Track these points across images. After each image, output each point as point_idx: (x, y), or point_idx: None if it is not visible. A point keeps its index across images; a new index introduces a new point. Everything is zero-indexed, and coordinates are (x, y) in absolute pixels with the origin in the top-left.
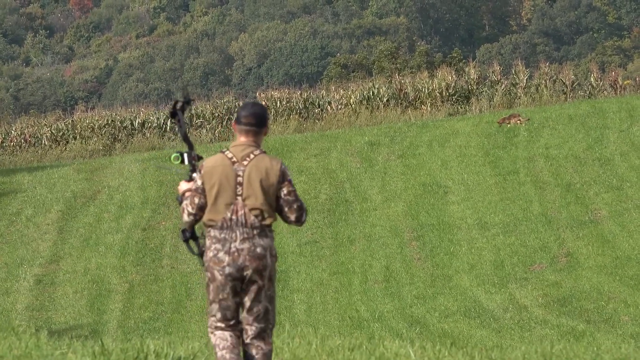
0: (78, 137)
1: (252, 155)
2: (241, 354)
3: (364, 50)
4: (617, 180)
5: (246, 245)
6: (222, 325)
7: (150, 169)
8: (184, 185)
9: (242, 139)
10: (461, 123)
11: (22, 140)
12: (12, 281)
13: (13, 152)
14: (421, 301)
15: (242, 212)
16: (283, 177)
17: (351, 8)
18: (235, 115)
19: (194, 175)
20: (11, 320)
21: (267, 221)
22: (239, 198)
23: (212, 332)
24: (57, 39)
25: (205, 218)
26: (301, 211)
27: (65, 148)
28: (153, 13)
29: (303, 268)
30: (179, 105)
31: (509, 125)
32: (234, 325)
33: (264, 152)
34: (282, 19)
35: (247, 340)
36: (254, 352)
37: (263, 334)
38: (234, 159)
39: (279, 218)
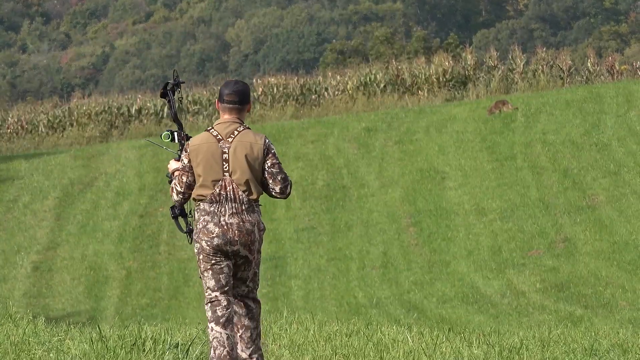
0: (75, 124)
1: (236, 132)
2: (237, 357)
3: (361, 36)
4: (614, 165)
5: (235, 220)
6: (218, 294)
7: (147, 156)
8: (173, 164)
9: (225, 116)
10: (458, 109)
11: (19, 127)
12: (9, 268)
13: (10, 139)
14: (419, 287)
15: (230, 187)
16: (267, 150)
17: None
18: (217, 94)
19: (182, 156)
20: (9, 307)
21: (254, 196)
22: (227, 174)
23: (209, 321)
24: (54, 26)
25: (194, 194)
26: (285, 182)
27: (62, 135)
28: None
29: (300, 254)
30: (169, 86)
31: (501, 112)
32: (228, 292)
33: (248, 128)
34: (278, 5)
35: (235, 300)
36: (243, 311)
37: (251, 294)
38: (219, 137)
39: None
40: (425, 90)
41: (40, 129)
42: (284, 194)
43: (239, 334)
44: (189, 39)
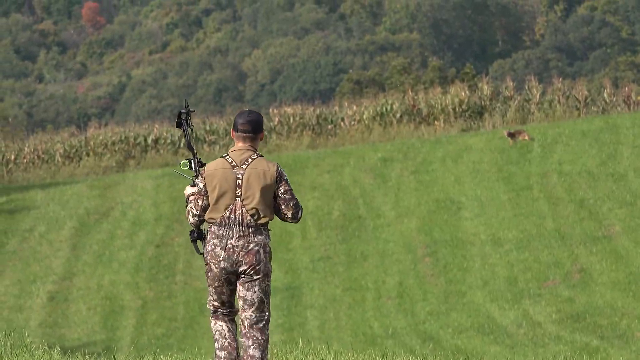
0: (91, 154)
1: (250, 159)
2: (239, 348)
3: (377, 66)
4: (630, 195)
5: (241, 242)
6: (218, 304)
7: (163, 186)
8: (188, 190)
9: (240, 144)
10: (474, 139)
11: (35, 157)
12: (25, 298)
13: (26, 168)
14: (434, 317)
15: (240, 211)
16: (280, 178)
17: (364, 24)
18: (232, 123)
19: (197, 180)
20: (24, 337)
21: (263, 220)
22: (238, 199)
23: (211, 317)
24: (70, 56)
25: (206, 216)
26: (297, 208)
27: (79, 165)
28: (166, 29)
29: (316, 284)
30: (183, 116)
31: (518, 141)
32: (229, 306)
33: (261, 156)
34: (295, 35)
35: (244, 330)
36: (250, 342)
37: (259, 324)
38: (234, 163)
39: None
40: (442, 120)
41: (56, 158)
42: (296, 219)
43: None
44: (205, 68)
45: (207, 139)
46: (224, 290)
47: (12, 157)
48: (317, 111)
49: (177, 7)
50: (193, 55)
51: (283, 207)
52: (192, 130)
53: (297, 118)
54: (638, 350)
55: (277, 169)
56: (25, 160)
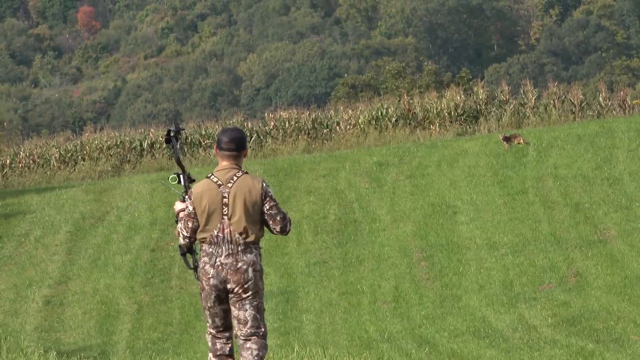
0: (87, 158)
1: (235, 177)
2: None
3: (372, 71)
4: (626, 199)
5: (229, 260)
6: (214, 331)
7: (158, 190)
8: (178, 205)
9: (224, 163)
10: (470, 143)
11: (31, 161)
12: (20, 302)
13: (22, 173)
14: (430, 321)
15: (228, 230)
16: (265, 194)
17: (359, 28)
18: (216, 140)
19: (186, 197)
20: (20, 341)
21: (251, 238)
22: (225, 217)
23: (209, 351)
24: (66, 60)
25: (198, 236)
26: (285, 221)
27: (74, 169)
28: (161, 34)
29: (312, 288)
30: (172, 133)
31: (514, 145)
32: (224, 331)
33: (246, 173)
34: (290, 39)
35: (240, 342)
36: (246, 354)
37: (253, 337)
38: (219, 182)
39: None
40: (437, 124)
41: (51, 163)
42: (285, 232)
43: None
44: (200, 73)
45: (202, 143)
46: (217, 312)
47: (8, 161)
48: (313, 115)
49: (172, 12)
50: (188, 59)
51: (271, 222)
52: (181, 147)
53: (293, 122)
54: (634, 354)
55: (262, 185)
56: (20, 165)
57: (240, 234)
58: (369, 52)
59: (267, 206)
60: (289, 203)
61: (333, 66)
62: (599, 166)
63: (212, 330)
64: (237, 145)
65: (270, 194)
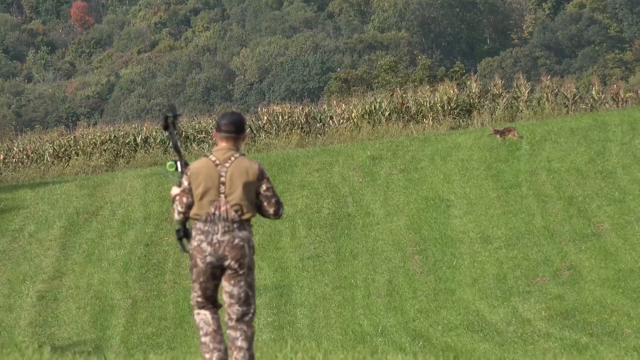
0: (80, 153)
1: (232, 158)
2: (224, 337)
3: (365, 65)
4: (619, 193)
5: (226, 237)
6: (202, 300)
7: (152, 184)
8: (174, 190)
9: (223, 144)
10: (463, 137)
11: (25, 157)
12: (15, 297)
13: (15, 168)
14: (424, 315)
15: (225, 207)
16: (262, 175)
17: (352, 22)
18: (216, 124)
19: (182, 179)
20: (14, 336)
21: (246, 216)
22: (222, 195)
23: (195, 310)
24: (59, 55)
25: (191, 213)
26: (278, 205)
27: (68, 164)
28: (154, 28)
29: (306, 282)
30: (170, 119)
31: (508, 138)
32: (212, 302)
33: (244, 155)
34: (283, 33)
35: (231, 324)
36: (237, 334)
37: (245, 317)
38: (217, 162)
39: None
40: (430, 118)
41: (45, 158)
42: (277, 215)
43: (233, 356)
44: (194, 67)
45: (196, 137)
46: (209, 285)
47: (1, 156)
48: (306, 110)
49: (165, 7)
50: (181, 54)
51: (265, 203)
52: (178, 133)
53: (286, 117)
54: (627, 347)
55: (259, 167)
56: (14, 160)
57: (236, 211)
58: (362, 46)
59: (263, 187)
60: (282, 197)
61: (326, 60)
62: (592, 159)
63: (199, 299)
64: (236, 128)
65: (266, 176)
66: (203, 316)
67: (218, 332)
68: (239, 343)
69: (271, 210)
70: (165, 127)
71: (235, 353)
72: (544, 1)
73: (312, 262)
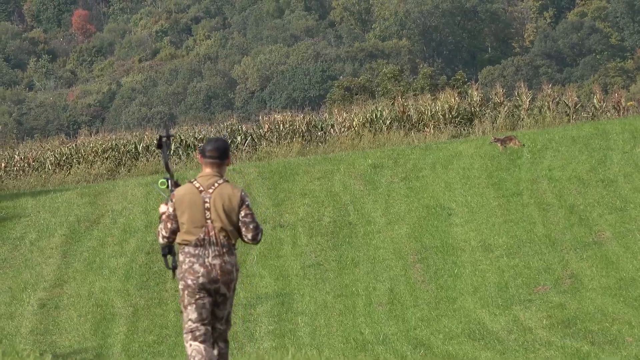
0: (82, 161)
1: (216, 184)
2: None
3: (367, 73)
4: (620, 201)
5: (217, 261)
6: (199, 324)
7: (153, 193)
8: (162, 208)
9: (207, 170)
10: (464, 145)
11: (26, 165)
12: (16, 305)
13: (16, 176)
14: (425, 323)
15: (213, 233)
16: (242, 202)
17: (354, 31)
18: (201, 148)
19: (168, 205)
20: (15, 344)
21: (232, 240)
22: (209, 221)
23: (187, 341)
24: (60, 64)
25: (179, 239)
26: (257, 231)
27: (69, 172)
28: (156, 37)
29: (307, 291)
30: (164, 139)
31: (509, 147)
32: (208, 325)
33: (227, 181)
34: (284, 42)
35: (211, 340)
36: (215, 351)
37: (224, 334)
38: (201, 188)
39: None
40: (432, 126)
41: (46, 166)
42: (255, 240)
43: None
44: (195, 76)
45: (197, 146)
46: (205, 303)
47: (3, 165)
48: (307, 118)
49: (166, 15)
50: (183, 62)
51: (244, 229)
52: (170, 153)
53: (287, 125)
54: (629, 356)
55: (241, 194)
56: (15, 168)
57: (224, 236)
58: (363, 55)
59: (242, 213)
60: (283, 206)
61: (327, 69)
62: (594, 168)
63: (196, 324)
64: (220, 154)
65: (247, 203)
66: (197, 347)
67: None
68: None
69: (249, 235)
70: (159, 147)
71: None
72: (545, 10)
73: (313, 271)
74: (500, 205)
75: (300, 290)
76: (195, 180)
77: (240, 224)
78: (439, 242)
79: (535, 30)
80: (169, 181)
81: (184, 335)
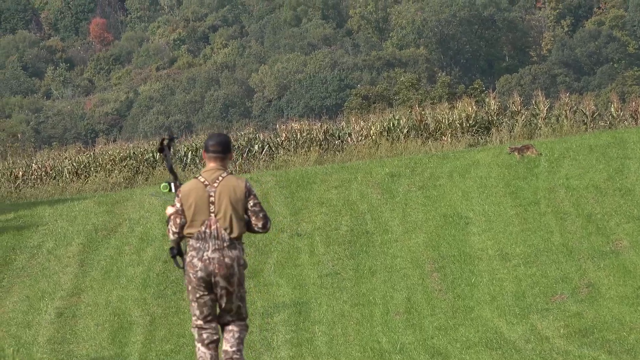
0: (99, 170)
1: (220, 178)
2: None
3: (385, 82)
4: (638, 210)
5: (216, 255)
6: (202, 322)
7: (170, 202)
8: (169, 210)
9: (211, 164)
10: (482, 154)
11: (43, 173)
12: (33, 314)
13: (34, 185)
14: (442, 332)
15: (215, 226)
16: (249, 193)
17: (371, 40)
18: (204, 145)
19: (175, 201)
20: (33, 353)
21: (235, 234)
22: (212, 214)
23: (196, 342)
24: (78, 72)
25: (185, 232)
26: (266, 219)
27: (87, 181)
28: (173, 45)
29: (324, 300)
30: (165, 142)
31: (526, 156)
32: (212, 322)
33: (231, 173)
34: (302, 50)
35: (227, 327)
36: (229, 335)
37: (240, 318)
38: (206, 182)
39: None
40: (449, 135)
41: (64, 174)
42: (265, 228)
43: (224, 348)
44: (212, 84)
45: None
46: (206, 301)
47: (20, 173)
48: (324, 127)
49: (184, 24)
50: (200, 71)
51: (254, 218)
52: (173, 156)
53: (304, 133)
54: None
55: (246, 184)
56: (33, 177)
57: (226, 229)
58: (380, 64)
59: (250, 203)
60: (300, 214)
61: (344, 77)
62: (611, 177)
63: (199, 322)
64: (222, 148)
65: (253, 193)
66: (202, 354)
67: (217, 344)
68: (229, 346)
69: (260, 224)
70: (161, 150)
71: (229, 344)
72: (562, 18)
73: (331, 279)
74: (517, 214)
75: (317, 299)
76: (200, 175)
77: (249, 214)
78: (456, 251)
79: (552, 39)
80: (172, 184)
81: (192, 330)
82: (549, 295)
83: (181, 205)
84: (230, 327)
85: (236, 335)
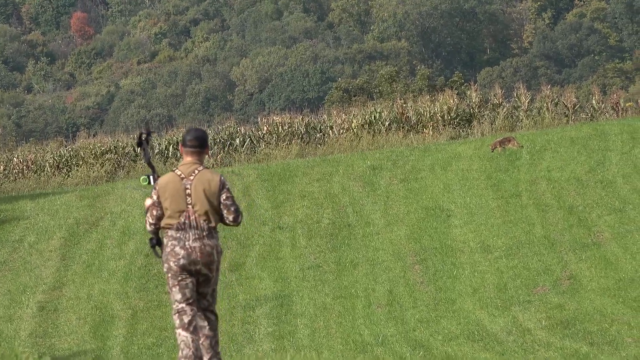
0: (81, 164)
1: (196, 171)
2: (202, 357)
3: (366, 75)
4: (619, 202)
5: (197, 244)
6: (184, 305)
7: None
8: (148, 201)
9: (188, 158)
10: (463, 146)
11: (24, 167)
12: (15, 308)
13: (15, 179)
14: (424, 325)
15: (193, 217)
16: (222, 186)
17: (352, 33)
18: (181, 139)
19: (152, 193)
20: (14, 347)
21: (212, 224)
22: (189, 206)
23: (176, 328)
24: (59, 66)
25: (163, 223)
26: (237, 213)
27: (68, 175)
28: (154, 39)
29: (306, 292)
30: (143, 136)
31: (508, 148)
32: (193, 304)
33: (207, 168)
34: (283, 43)
35: (199, 313)
36: (205, 323)
37: (211, 307)
38: (182, 175)
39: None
40: (430, 128)
41: (45, 168)
42: (236, 222)
43: (200, 342)
44: (194, 78)
45: None
46: (188, 283)
47: (1, 167)
48: (306, 120)
49: (165, 17)
50: (181, 64)
51: (225, 211)
52: (151, 149)
53: (286, 127)
54: (628, 356)
55: (220, 178)
56: (14, 171)
57: (204, 220)
58: (361, 57)
59: (223, 196)
60: (282, 207)
61: (326, 70)
62: (592, 169)
63: (181, 305)
64: (200, 143)
65: (227, 186)
66: (184, 338)
67: (197, 355)
68: (207, 331)
69: (231, 217)
70: (139, 144)
71: (202, 339)
72: (543, 11)
73: (313, 272)
74: (499, 207)
75: (299, 292)
76: (177, 168)
77: (222, 207)
78: (438, 243)
79: (533, 32)
80: (151, 177)
81: (173, 317)
82: (531, 287)
83: (158, 198)
84: (206, 315)
85: (210, 341)
